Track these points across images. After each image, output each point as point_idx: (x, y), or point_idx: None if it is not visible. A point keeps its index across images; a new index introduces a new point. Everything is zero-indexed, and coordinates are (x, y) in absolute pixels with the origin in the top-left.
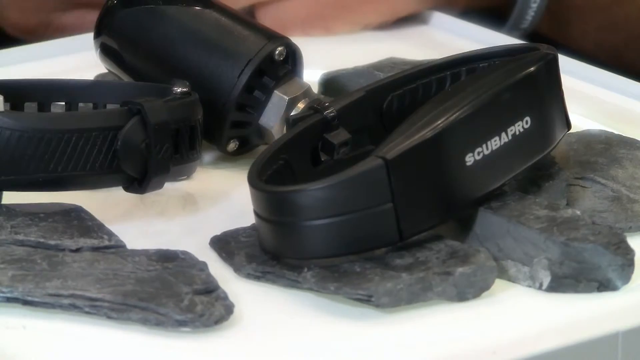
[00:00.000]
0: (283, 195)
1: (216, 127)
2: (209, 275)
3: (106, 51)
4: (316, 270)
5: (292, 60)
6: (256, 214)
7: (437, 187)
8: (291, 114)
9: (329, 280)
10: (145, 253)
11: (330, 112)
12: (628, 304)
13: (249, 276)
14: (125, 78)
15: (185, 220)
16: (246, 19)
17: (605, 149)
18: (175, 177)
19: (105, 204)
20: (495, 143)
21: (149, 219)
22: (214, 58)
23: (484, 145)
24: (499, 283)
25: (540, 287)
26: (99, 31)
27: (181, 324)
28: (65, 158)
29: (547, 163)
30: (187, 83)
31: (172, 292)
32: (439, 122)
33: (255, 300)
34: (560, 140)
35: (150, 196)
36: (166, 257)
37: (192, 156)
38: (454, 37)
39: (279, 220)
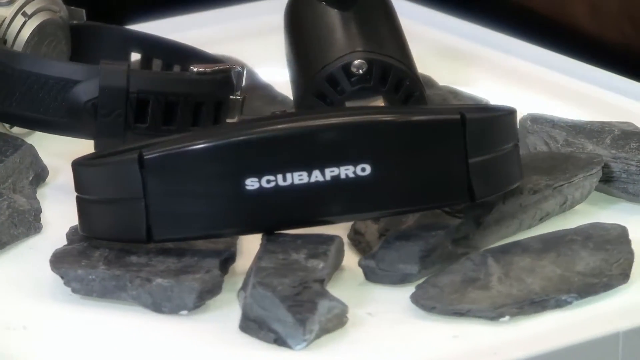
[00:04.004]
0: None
1: None
2: None
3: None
4: None
5: None
6: None
7: (199, 200)
8: None
9: None
10: None
11: None
12: (628, 304)
13: None
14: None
15: None
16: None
17: None
18: None
19: None
20: (300, 178)
21: None
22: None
23: (279, 176)
24: None
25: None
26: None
27: None
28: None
29: None
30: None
31: None
32: (221, 136)
33: None
34: (448, 206)
35: None
36: None
37: (168, 131)
38: None
39: None
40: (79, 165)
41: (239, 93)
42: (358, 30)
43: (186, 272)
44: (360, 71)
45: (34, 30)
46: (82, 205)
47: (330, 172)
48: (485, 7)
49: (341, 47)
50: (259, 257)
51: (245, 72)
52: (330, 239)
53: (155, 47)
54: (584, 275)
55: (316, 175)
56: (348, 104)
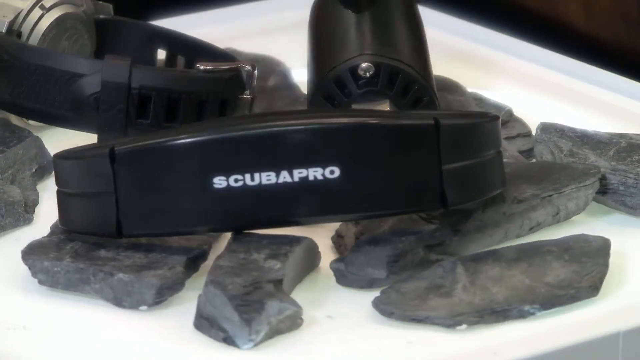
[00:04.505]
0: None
1: None
2: None
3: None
4: None
5: None
6: None
7: (168, 196)
8: None
9: None
10: None
11: None
12: (628, 304)
13: None
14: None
15: None
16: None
17: None
18: None
19: None
20: (268, 178)
21: None
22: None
23: (247, 176)
24: None
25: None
26: None
27: None
28: (30, 88)
29: None
30: (235, 66)
31: None
32: (191, 133)
33: None
34: (419, 212)
35: None
36: None
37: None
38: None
39: None
40: (58, 158)
41: (248, 92)
42: (370, 33)
43: (149, 268)
44: (368, 74)
45: (51, 23)
46: (61, 198)
47: (298, 174)
48: (476, 6)
49: (350, 50)
50: (219, 255)
51: (256, 72)
52: (296, 240)
53: (179, 44)
54: (551, 286)
55: (284, 176)
56: (355, 106)
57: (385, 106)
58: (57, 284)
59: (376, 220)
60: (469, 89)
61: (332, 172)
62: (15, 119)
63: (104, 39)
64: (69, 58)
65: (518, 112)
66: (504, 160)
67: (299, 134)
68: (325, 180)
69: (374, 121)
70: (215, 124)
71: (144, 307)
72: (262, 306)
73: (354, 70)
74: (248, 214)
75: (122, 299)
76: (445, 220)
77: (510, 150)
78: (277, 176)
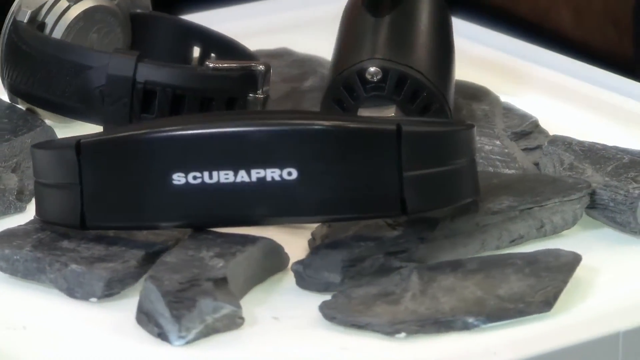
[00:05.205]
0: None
1: None
2: None
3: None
4: None
5: None
6: None
7: (129, 190)
8: None
9: None
10: None
11: None
12: (628, 304)
13: None
14: None
15: None
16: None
17: None
18: None
19: None
20: (226, 177)
21: None
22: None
23: (206, 173)
24: None
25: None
26: None
27: None
28: (43, 78)
29: None
30: (248, 65)
31: None
32: (153, 129)
33: None
34: (379, 218)
35: None
36: None
37: None
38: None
39: None
40: (33, 148)
41: (260, 92)
42: (384, 38)
43: (103, 261)
44: (375, 78)
45: (78, 15)
46: (36, 188)
47: (256, 174)
48: (468, 10)
49: (362, 53)
50: (168, 251)
51: (270, 72)
52: (252, 241)
53: (213, 42)
54: (501, 299)
55: (242, 176)
56: (361, 110)
57: (392, 112)
58: (16, 272)
59: (345, 224)
60: (503, 98)
61: (289, 173)
62: (40, 110)
63: (140, 34)
64: (78, 49)
65: (550, 124)
66: (512, 171)
67: (257, 135)
68: (283, 181)
69: (334, 125)
70: (178, 120)
71: (94, 299)
72: (194, 303)
73: (361, 74)
74: (206, 212)
75: (74, 290)
76: (410, 228)
77: (521, 162)
78: (235, 175)
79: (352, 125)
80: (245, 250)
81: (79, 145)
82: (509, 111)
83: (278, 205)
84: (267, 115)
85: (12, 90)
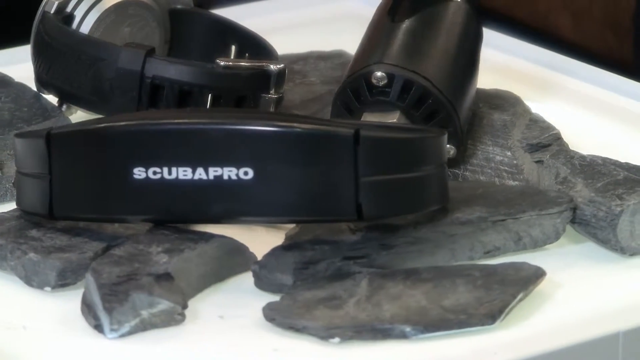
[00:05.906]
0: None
1: None
2: None
3: None
4: None
5: None
6: None
7: (94, 183)
8: None
9: None
10: None
11: None
12: (628, 304)
13: None
14: None
15: None
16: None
17: None
18: None
19: None
20: (184, 173)
21: None
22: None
23: (165, 169)
24: None
25: None
26: None
27: None
28: (61, 69)
29: None
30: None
31: None
32: (116, 122)
33: None
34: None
35: None
36: None
37: None
38: None
39: None
40: (14, 137)
41: (273, 91)
42: (395, 43)
43: (62, 251)
44: (381, 83)
45: (109, 8)
46: (16, 178)
47: (213, 172)
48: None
49: (371, 57)
50: (120, 244)
51: (285, 72)
52: (207, 238)
53: (246, 42)
54: (445, 310)
55: (200, 173)
56: (366, 114)
57: (396, 117)
58: None
59: (313, 227)
60: (535, 109)
61: (245, 173)
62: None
63: (179, 30)
64: (92, 42)
65: (577, 137)
66: (516, 182)
67: (215, 133)
68: (240, 181)
69: (289, 126)
70: (142, 115)
71: (48, 288)
72: (127, 297)
73: (368, 78)
74: (165, 207)
75: (31, 278)
76: (370, 233)
77: (527, 174)
78: (193, 172)
79: (308, 127)
80: (196, 247)
81: (49, 135)
82: (534, 122)
83: (234, 205)
84: (230, 114)
85: (38, 80)
